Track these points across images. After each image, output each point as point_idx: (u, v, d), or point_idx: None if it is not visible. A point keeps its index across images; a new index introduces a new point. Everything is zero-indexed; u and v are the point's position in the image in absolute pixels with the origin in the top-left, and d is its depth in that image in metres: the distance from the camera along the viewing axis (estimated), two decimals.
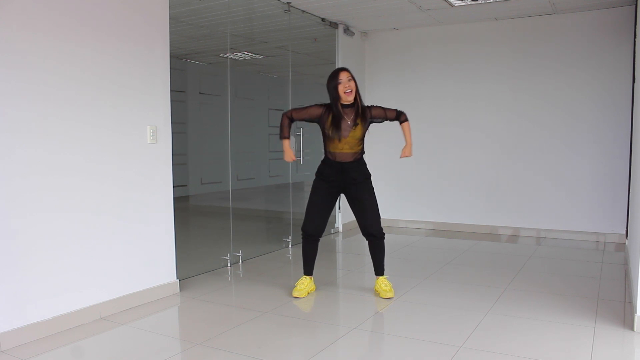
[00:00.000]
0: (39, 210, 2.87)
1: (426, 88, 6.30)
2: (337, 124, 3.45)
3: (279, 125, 3.63)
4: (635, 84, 4.78)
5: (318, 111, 3.53)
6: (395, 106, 6.45)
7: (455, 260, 4.74)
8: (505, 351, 2.67)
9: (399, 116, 3.64)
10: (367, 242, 3.68)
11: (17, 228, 2.77)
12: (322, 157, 3.63)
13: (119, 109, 3.32)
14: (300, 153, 5.44)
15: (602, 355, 2.62)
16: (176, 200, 3.84)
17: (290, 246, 5.36)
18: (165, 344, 2.87)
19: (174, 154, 3.75)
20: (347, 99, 3.44)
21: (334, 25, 5.96)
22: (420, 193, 6.42)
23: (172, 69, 3.73)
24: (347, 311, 3.49)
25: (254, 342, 2.84)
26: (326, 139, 3.54)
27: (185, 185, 8.66)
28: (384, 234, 3.63)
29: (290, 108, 5.47)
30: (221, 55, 7.48)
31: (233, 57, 7.76)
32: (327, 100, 3.52)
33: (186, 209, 8.17)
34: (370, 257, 3.71)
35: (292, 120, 3.59)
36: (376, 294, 3.67)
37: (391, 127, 6.36)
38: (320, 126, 3.56)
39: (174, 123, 3.76)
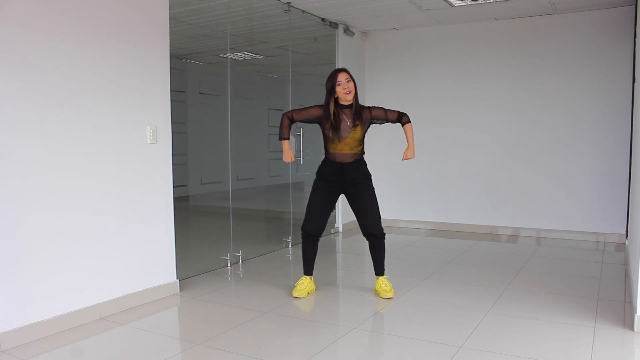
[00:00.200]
0: (39, 210, 2.87)
1: (426, 88, 6.30)
2: (335, 124, 3.45)
3: (279, 125, 3.63)
4: (635, 84, 4.78)
5: (318, 112, 3.53)
6: (395, 106, 6.46)
7: (455, 260, 4.74)
8: (505, 351, 2.67)
9: (401, 118, 3.61)
10: (367, 242, 3.68)
11: (17, 228, 2.77)
12: (322, 157, 3.63)
13: (119, 109, 3.32)
14: (300, 153, 5.44)
15: (602, 355, 2.62)
16: (176, 200, 3.84)
17: (290, 246, 5.36)
18: (165, 344, 2.87)
19: (174, 154, 3.75)
20: (347, 98, 3.44)
21: (334, 25, 5.96)
22: (420, 193, 6.42)
23: (172, 69, 3.73)
24: (347, 311, 3.49)
25: (254, 342, 2.84)
26: (326, 139, 3.54)
27: (185, 185, 8.66)
28: (384, 234, 3.63)
29: (290, 108, 5.48)
30: (221, 55, 7.48)
31: (233, 57, 7.76)
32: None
33: (186, 209, 8.17)
34: (370, 257, 3.71)
35: (292, 121, 3.58)
36: (376, 294, 3.67)
37: (391, 127, 6.36)
38: (320, 127, 3.56)
39: (174, 123, 3.76)
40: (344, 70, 3.50)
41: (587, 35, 5.46)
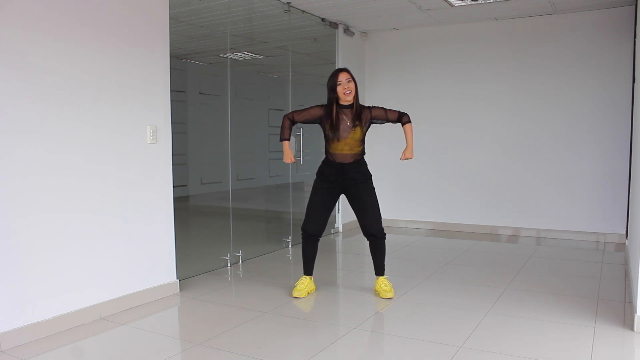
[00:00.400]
0: (39, 210, 2.87)
1: (426, 88, 6.30)
2: (335, 124, 3.45)
3: (279, 126, 3.63)
4: (635, 84, 4.78)
5: (319, 112, 3.53)
6: (395, 106, 6.45)
7: (455, 260, 4.74)
8: (505, 351, 2.67)
9: (401, 118, 3.61)
10: (367, 242, 3.68)
11: (17, 228, 2.77)
12: (322, 157, 3.63)
13: (119, 109, 3.32)
14: (300, 153, 5.44)
15: (602, 355, 2.62)
16: (176, 200, 3.84)
17: (290, 246, 5.36)
18: (165, 344, 2.87)
19: (174, 154, 3.75)
20: (347, 99, 3.44)
21: (334, 25, 5.96)
22: (420, 193, 6.42)
23: (172, 69, 3.73)
24: (347, 311, 3.49)
25: (254, 342, 2.84)
26: (327, 139, 3.54)
27: (185, 185, 8.66)
28: (384, 234, 3.63)
29: (290, 108, 5.49)
30: (221, 55, 7.48)
31: (233, 57, 7.75)
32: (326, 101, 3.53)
33: (186, 209, 8.17)
34: (370, 257, 3.71)
35: (293, 122, 3.58)
36: (376, 294, 3.67)
37: (391, 127, 6.36)
38: (321, 127, 3.57)
39: (174, 123, 3.76)
40: (345, 70, 3.50)
41: (587, 35, 5.46)
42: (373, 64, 6.60)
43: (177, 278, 3.78)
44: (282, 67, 7.84)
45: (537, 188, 5.79)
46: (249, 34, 6.41)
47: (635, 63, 4.81)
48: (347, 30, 6.09)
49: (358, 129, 3.48)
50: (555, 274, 4.25)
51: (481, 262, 4.72)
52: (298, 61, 7.05)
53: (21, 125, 2.77)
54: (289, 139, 3.60)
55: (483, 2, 5.08)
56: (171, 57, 3.69)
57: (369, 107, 3.57)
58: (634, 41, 5.09)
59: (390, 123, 3.66)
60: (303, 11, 5.40)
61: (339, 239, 5.91)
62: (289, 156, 3.60)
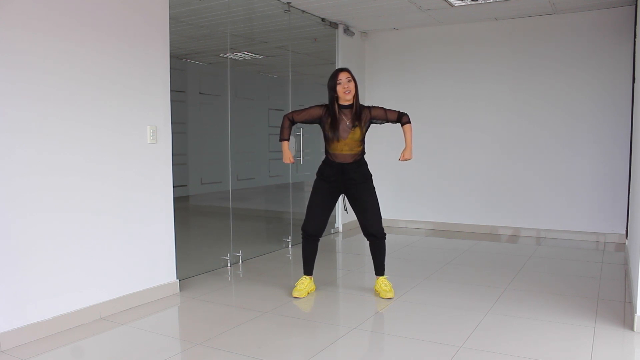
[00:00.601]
0: (39, 210, 2.87)
1: (426, 88, 6.30)
2: (335, 124, 3.45)
3: (279, 126, 3.63)
4: (635, 84, 4.78)
5: (318, 112, 3.53)
6: (395, 106, 6.44)
7: (455, 260, 4.74)
8: (505, 351, 2.67)
9: (401, 118, 3.61)
10: (367, 242, 3.68)
11: (17, 228, 2.77)
12: (322, 157, 3.63)
13: (119, 109, 3.32)
14: (300, 153, 5.44)
15: (602, 355, 2.62)
16: (176, 200, 3.84)
17: (290, 246, 5.36)
18: (165, 344, 2.87)
19: (174, 154, 3.75)
20: (346, 98, 3.45)
21: (334, 25, 5.96)
22: (420, 193, 6.42)
23: (172, 69, 3.73)
24: (347, 311, 3.49)
25: (254, 342, 2.84)
26: (326, 139, 3.54)
27: (185, 185, 8.66)
28: (385, 234, 3.63)
29: (290, 108, 5.49)
30: (221, 55, 7.48)
31: (233, 57, 7.75)
32: (327, 101, 3.53)
33: (186, 209, 8.17)
34: (370, 257, 3.71)
35: (293, 122, 3.58)
36: (376, 294, 3.67)
37: (391, 127, 6.35)
38: (320, 127, 3.57)
39: (174, 123, 3.75)
40: (345, 70, 3.50)
41: (587, 35, 5.46)
42: (373, 64, 6.60)
43: (177, 278, 3.78)
44: (282, 67, 7.84)
45: (537, 188, 5.79)
46: (249, 34, 6.41)
47: (635, 63, 4.81)
48: (347, 30, 6.09)
49: (357, 130, 3.48)
50: (555, 274, 4.25)
51: (481, 262, 4.72)
52: (298, 61, 7.05)
53: (21, 125, 2.77)
54: (288, 139, 3.60)
55: (483, 2, 5.08)
56: (171, 57, 3.69)
57: (368, 107, 3.57)
58: (634, 41, 5.09)
59: (390, 123, 3.65)
60: (303, 11, 5.40)
61: (339, 239, 5.91)
62: (288, 157, 3.60)
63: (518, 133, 5.85)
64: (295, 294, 3.63)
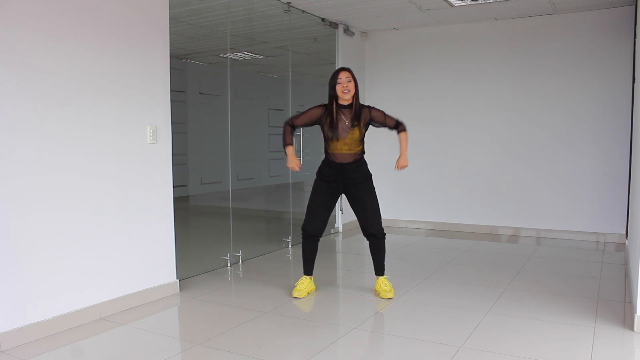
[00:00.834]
0: (39, 210, 2.87)
1: (426, 88, 6.30)
2: (334, 124, 3.45)
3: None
4: (635, 84, 4.78)
5: (317, 112, 3.53)
6: (395, 106, 6.46)
7: (455, 260, 4.74)
8: (505, 351, 2.67)
9: (398, 125, 3.61)
10: (367, 242, 3.68)
11: (17, 228, 2.77)
12: (322, 157, 3.63)
13: (119, 109, 3.32)
14: (300, 153, 5.44)
15: (602, 355, 2.62)
16: (176, 200, 3.84)
17: (290, 246, 5.36)
18: (165, 344, 2.87)
19: (174, 154, 3.75)
20: (345, 97, 3.45)
21: (334, 25, 5.96)
22: (420, 193, 6.42)
23: (172, 69, 3.73)
24: (347, 311, 3.49)
25: (254, 342, 2.84)
26: (326, 139, 3.54)
27: (185, 185, 8.66)
28: (384, 234, 3.63)
29: (290, 109, 5.49)
30: (221, 55, 7.48)
31: (233, 57, 7.75)
32: (327, 100, 3.53)
33: (186, 209, 8.17)
34: (370, 257, 3.71)
35: (293, 126, 3.56)
36: (376, 294, 3.67)
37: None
38: (320, 127, 3.56)
39: (174, 123, 3.75)
40: (346, 69, 3.50)
41: (587, 35, 5.46)
42: (373, 64, 6.60)
43: (177, 278, 3.78)
44: (282, 67, 7.85)
45: (537, 188, 5.79)
46: (249, 34, 6.41)
47: (635, 63, 4.81)
48: (347, 30, 6.09)
49: (356, 129, 3.48)
50: (555, 274, 4.25)
51: (481, 262, 4.72)
52: (298, 61, 7.05)
53: (21, 125, 2.77)
54: (292, 144, 3.56)
55: (483, 2, 5.08)
56: (171, 57, 3.69)
57: (369, 107, 3.56)
58: (634, 41, 5.09)
59: (386, 128, 3.64)
60: (303, 11, 5.40)
61: (339, 239, 5.91)
62: (293, 161, 3.54)
63: (518, 133, 5.85)
64: (295, 294, 3.63)
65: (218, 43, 6.74)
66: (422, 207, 6.42)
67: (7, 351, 2.69)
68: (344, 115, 3.48)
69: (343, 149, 3.49)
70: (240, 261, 4.69)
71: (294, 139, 3.58)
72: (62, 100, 2.97)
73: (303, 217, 3.67)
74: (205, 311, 3.40)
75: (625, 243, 5.24)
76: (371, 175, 3.62)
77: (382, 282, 3.65)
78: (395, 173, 6.43)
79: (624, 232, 5.33)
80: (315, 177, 3.65)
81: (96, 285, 3.20)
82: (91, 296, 3.16)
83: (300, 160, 5.44)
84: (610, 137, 5.41)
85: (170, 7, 3.69)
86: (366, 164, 3.60)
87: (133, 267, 3.43)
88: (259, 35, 6.48)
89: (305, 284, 3.68)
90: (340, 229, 6.24)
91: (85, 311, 3.11)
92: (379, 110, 3.58)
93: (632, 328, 2.94)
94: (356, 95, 3.49)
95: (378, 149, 6.15)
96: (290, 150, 3.55)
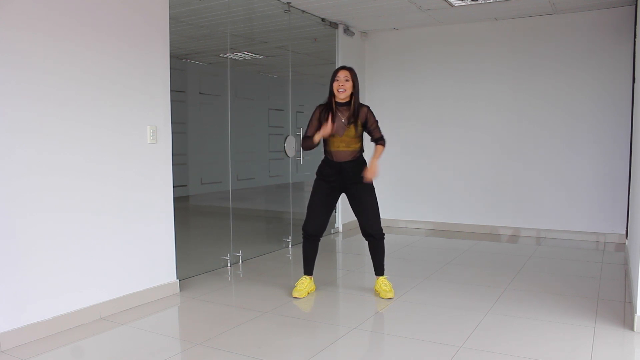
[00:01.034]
0: (39, 210, 2.87)
1: (426, 88, 6.30)
2: (331, 119, 3.47)
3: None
4: (635, 84, 4.78)
5: (317, 113, 3.56)
6: (396, 106, 6.48)
7: (455, 260, 4.74)
8: (505, 351, 2.67)
9: (379, 140, 3.60)
10: (367, 242, 3.68)
11: (17, 228, 2.77)
12: (322, 157, 3.64)
13: (119, 109, 3.32)
14: (300, 153, 5.44)
15: (602, 355, 2.62)
16: (176, 200, 3.84)
17: (290, 246, 5.36)
18: (165, 344, 2.87)
19: (174, 154, 3.75)
20: (339, 96, 3.47)
21: (334, 25, 5.96)
22: (420, 193, 6.42)
23: (172, 69, 3.73)
24: (347, 311, 3.49)
25: (254, 342, 2.84)
26: (325, 138, 3.55)
27: (185, 185, 8.65)
28: (383, 234, 3.62)
29: (290, 109, 5.49)
30: (221, 55, 7.48)
31: (233, 57, 7.75)
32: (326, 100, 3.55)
33: (186, 209, 8.17)
34: (370, 257, 3.71)
35: (309, 138, 3.51)
36: (376, 294, 3.67)
37: (392, 126, 6.37)
38: (320, 125, 3.58)
39: (174, 123, 3.75)
40: (346, 68, 3.50)
41: (587, 35, 5.46)
42: (373, 64, 6.60)
43: (177, 278, 3.78)
44: (282, 67, 7.83)
45: (537, 188, 5.79)
46: (249, 34, 6.41)
47: (635, 63, 4.81)
48: (347, 30, 6.09)
49: (352, 127, 3.49)
50: (555, 274, 4.25)
51: (481, 262, 4.72)
52: (298, 61, 7.05)
53: (21, 125, 2.77)
54: (315, 138, 3.48)
55: (483, 2, 5.08)
56: (171, 57, 3.69)
57: (368, 108, 3.57)
58: (634, 41, 5.09)
59: (370, 136, 3.61)
60: (303, 11, 5.40)
61: (339, 239, 5.91)
62: (326, 128, 3.41)
63: (518, 133, 5.85)
64: (295, 294, 3.63)
65: (218, 43, 6.74)
66: (422, 207, 6.42)
67: (7, 351, 2.69)
68: (340, 113, 3.50)
69: (340, 146, 3.50)
70: (240, 261, 4.69)
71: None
72: (62, 100, 2.97)
73: (303, 217, 3.67)
74: (205, 311, 3.40)
75: (625, 243, 5.24)
76: None
77: (382, 282, 3.65)
78: (395, 173, 6.47)
79: (624, 232, 5.33)
80: (315, 177, 3.65)
81: (96, 285, 3.20)
82: (91, 296, 3.16)
83: (300, 160, 5.46)
84: (610, 137, 5.41)
85: (170, 7, 3.69)
86: (365, 163, 3.60)
87: (133, 267, 3.43)
88: (259, 35, 6.48)
89: (305, 284, 3.68)
90: (340, 229, 6.24)
91: (85, 311, 3.11)
92: (374, 117, 3.58)
93: (632, 328, 2.94)
94: (355, 94, 3.49)
95: None
96: (316, 136, 3.46)
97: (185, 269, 4.09)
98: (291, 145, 5.36)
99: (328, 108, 3.52)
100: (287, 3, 5.10)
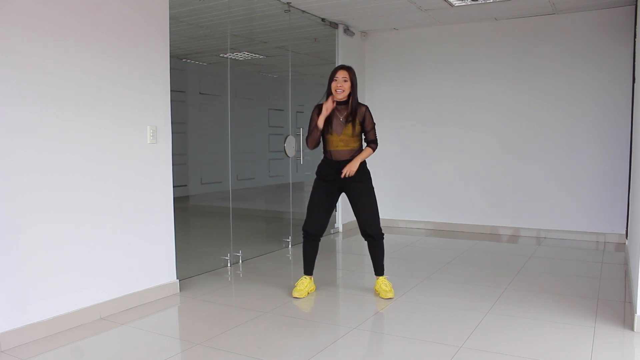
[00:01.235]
0: (39, 210, 2.87)
1: (426, 88, 6.30)
2: (329, 118, 3.47)
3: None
4: (635, 84, 4.78)
5: (316, 113, 3.56)
6: (396, 106, 6.47)
7: (455, 260, 4.74)
8: (505, 351, 2.67)
9: (372, 142, 3.60)
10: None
11: (17, 228, 2.77)
12: (322, 157, 3.64)
13: (119, 109, 3.32)
14: (300, 153, 5.44)
15: (602, 355, 2.62)
16: (176, 200, 3.84)
17: (290, 246, 5.36)
18: (165, 344, 2.87)
19: (174, 154, 3.75)
20: (337, 96, 3.47)
21: (334, 25, 5.96)
22: (420, 193, 6.42)
23: (172, 69, 3.73)
24: (347, 311, 3.49)
25: (254, 342, 2.84)
26: (324, 137, 3.55)
27: (185, 185, 8.65)
28: (382, 234, 3.62)
29: (290, 109, 5.50)
30: (221, 55, 7.48)
31: (233, 57, 7.75)
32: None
33: (186, 209, 8.17)
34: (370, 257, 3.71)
35: (314, 129, 3.52)
36: (376, 294, 3.67)
37: (392, 126, 6.37)
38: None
39: (174, 123, 3.76)
40: (345, 68, 3.50)
41: (587, 35, 5.46)
42: (373, 64, 6.60)
43: (177, 278, 3.78)
44: (282, 67, 7.83)
45: (537, 188, 5.79)
46: (249, 34, 6.41)
47: (635, 63, 4.81)
48: (347, 30, 6.09)
49: (350, 125, 3.49)
50: (555, 274, 4.25)
51: (481, 262, 4.72)
52: (298, 61, 7.05)
53: (21, 125, 2.77)
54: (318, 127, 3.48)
55: (483, 2, 5.08)
56: (171, 57, 3.69)
57: (367, 108, 3.56)
58: (634, 41, 5.08)
59: (364, 138, 3.61)
60: (303, 11, 5.40)
61: (339, 239, 5.91)
62: (328, 105, 3.43)
63: (518, 133, 5.85)
64: (295, 294, 3.63)
65: (218, 43, 6.74)
66: (422, 207, 6.42)
67: (7, 351, 2.69)
68: (338, 112, 3.50)
69: (339, 145, 3.51)
70: (240, 261, 4.69)
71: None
72: (62, 100, 2.97)
73: (303, 217, 3.67)
74: (205, 311, 3.40)
75: (625, 243, 5.24)
76: (370, 175, 3.62)
77: (382, 282, 3.65)
78: (395, 173, 6.47)
79: (624, 232, 5.33)
80: (314, 177, 3.65)
81: (96, 285, 3.20)
82: (91, 296, 3.16)
83: (300, 160, 5.46)
84: (610, 137, 5.41)
85: (170, 7, 3.69)
86: (365, 163, 3.60)
87: (133, 267, 3.43)
88: (259, 35, 6.48)
89: (305, 284, 3.68)
90: (340, 229, 6.24)
91: (85, 311, 3.11)
92: (372, 119, 3.58)
93: (632, 328, 2.94)
94: (353, 93, 3.50)
95: (378, 148, 6.14)
96: (319, 121, 3.45)
97: (185, 269, 4.09)
98: (291, 145, 5.36)
99: (329, 104, 3.52)
100: (287, 3, 5.10)
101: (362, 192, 3.55)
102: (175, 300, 3.61)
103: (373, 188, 3.60)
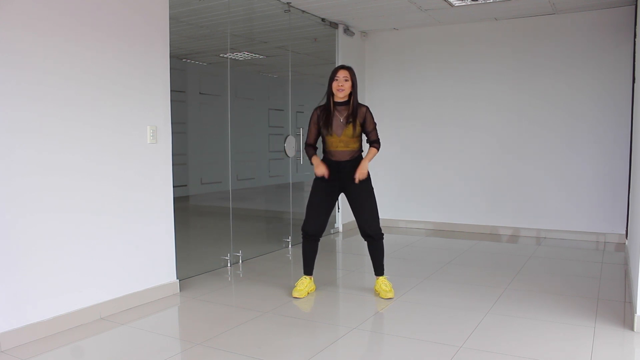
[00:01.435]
0: (39, 210, 2.87)
1: (426, 88, 6.30)
2: (328, 119, 3.47)
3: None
4: (635, 84, 4.78)
5: (315, 115, 3.57)
6: (396, 106, 6.47)
7: (455, 260, 4.74)
8: (505, 351, 2.67)
9: (374, 142, 3.61)
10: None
11: (17, 228, 2.77)
12: (322, 157, 3.64)
13: (119, 109, 3.32)
14: (300, 153, 5.45)
15: (602, 355, 2.62)
16: (176, 200, 3.84)
17: (290, 246, 5.36)
18: (165, 344, 2.87)
19: (174, 154, 3.75)
20: (338, 95, 3.47)
21: (334, 25, 5.96)
22: (420, 193, 6.42)
23: (172, 69, 3.73)
24: (347, 311, 3.49)
25: (254, 342, 2.84)
26: (322, 137, 3.56)
27: (185, 185, 8.66)
28: (382, 235, 3.62)
29: (290, 109, 5.50)
30: (221, 55, 7.48)
31: (233, 57, 7.75)
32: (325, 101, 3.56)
33: (186, 209, 8.17)
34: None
35: (313, 145, 3.58)
36: (376, 294, 3.67)
37: (393, 125, 6.36)
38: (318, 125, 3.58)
39: (174, 123, 3.76)
40: (345, 68, 3.50)
41: (587, 35, 5.46)
42: (373, 64, 6.60)
43: (177, 278, 3.78)
44: (282, 67, 7.84)
45: (537, 188, 5.78)
46: (249, 34, 6.41)
47: (635, 63, 4.81)
48: (347, 30, 6.09)
49: (350, 126, 3.49)
50: (555, 274, 4.25)
51: (481, 262, 4.72)
52: (298, 61, 7.05)
53: (21, 125, 2.77)
54: (315, 153, 3.59)
55: (483, 2, 5.08)
56: (171, 57, 3.69)
57: (367, 109, 3.56)
58: (634, 41, 5.09)
59: (366, 137, 3.62)
60: (303, 11, 5.40)
61: (339, 239, 5.91)
62: (319, 168, 3.52)
63: (518, 133, 5.85)
64: (295, 294, 3.63)
65: (218, 43, 6.74)
66: (422, 207, 6.42)
67: (7, 351, 2.69)
68: (338, 113, 3.50)
69: (339, 145, 3.51)
70: (240, 261, 4.69)
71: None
72: (62, 100, 2.97)
73: (303, 217, 3.67)
74: (205, 311, 3.40)
75: (625, 243, 5.24)
76: (369, 175, 3.62)
77: (382, 282, 3.65)
78: (395, 173, 6.47)
79: (624, 232, 5.33)
80: (314, 177, 3.65)
81: (96, 285, 3.20)
82: (91, 296, 3.16)
83: (300, 160, 5.46)
84: (610, 137, 5.41)
85: (170, 7, 3.69)
86: None
87: (133, 267, 3.43)
88: (259, 35, 6.48)
89: (305, 284, 3.68)
90: (340, 229, 6.24)
91: (85, 311, 3.11)
92: (373, 119, 3.58)
93: (632, 328, 2.94)
94: (354, 93, 3.50)
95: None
96: (315, 159, 3.56)
97: (185, 269, 4.09)
98: (291, 145, 5.36)
99: (326, 109, 3.52)
100: (287, 3, 5.10)
101: (361, 192, 3.55)
102: (175, 300, 3.61)
103: (373, 188, 3.60)
